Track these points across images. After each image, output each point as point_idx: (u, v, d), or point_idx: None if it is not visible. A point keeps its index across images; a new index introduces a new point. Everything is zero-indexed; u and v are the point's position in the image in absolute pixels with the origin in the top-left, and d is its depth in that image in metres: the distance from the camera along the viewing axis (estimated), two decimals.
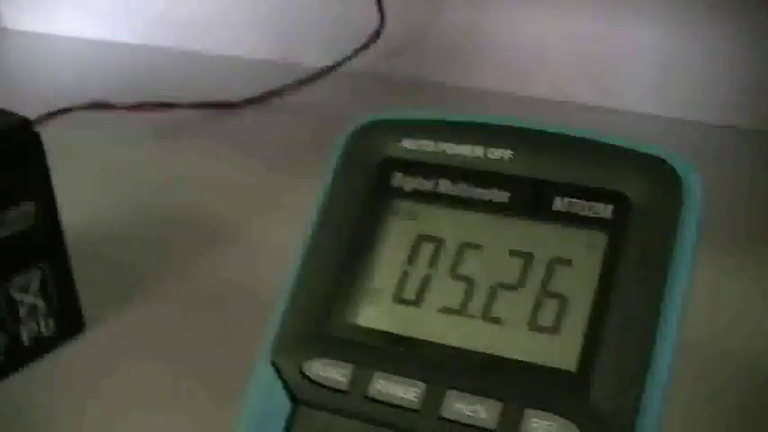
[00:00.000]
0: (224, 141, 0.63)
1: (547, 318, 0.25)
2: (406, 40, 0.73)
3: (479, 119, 0.28)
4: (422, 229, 0.28)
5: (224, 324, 0.42)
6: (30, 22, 0.89)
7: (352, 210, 0.28)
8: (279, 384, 0.26)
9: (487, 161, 0.27)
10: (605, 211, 0.26)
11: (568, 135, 0.27)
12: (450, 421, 0.24)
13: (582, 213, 0.26)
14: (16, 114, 0.37)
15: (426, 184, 0.28)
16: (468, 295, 0.26)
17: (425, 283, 0.27)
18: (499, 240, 0.27)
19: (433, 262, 0.27)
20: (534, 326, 0.25)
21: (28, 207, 0.37)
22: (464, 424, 0.24)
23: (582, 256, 0.26)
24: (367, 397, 0.25)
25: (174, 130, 0.65)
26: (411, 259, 0.27)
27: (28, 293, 0.38)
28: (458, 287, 0.26)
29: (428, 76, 0.73)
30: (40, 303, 0.39)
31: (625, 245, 0.25)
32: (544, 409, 0.24)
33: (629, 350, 0.24)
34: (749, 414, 0.36)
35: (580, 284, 0.25)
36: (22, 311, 0.38)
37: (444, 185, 0.28)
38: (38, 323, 0.39)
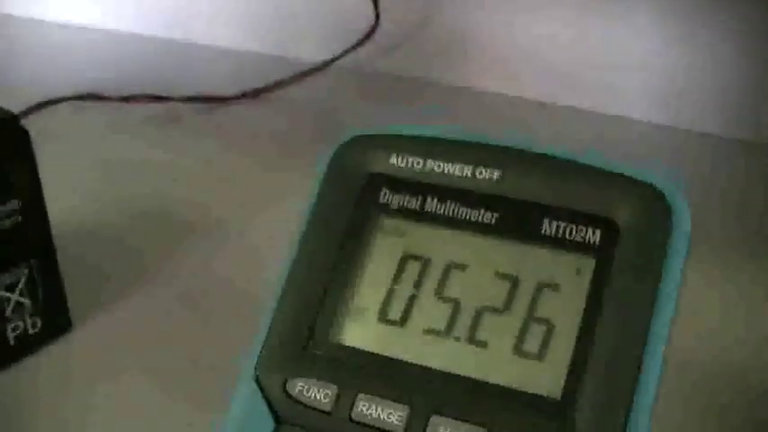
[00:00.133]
0: (217, 135, 0.63)
1: (533, 343, 0.25)
2: (400, 37, 0.72)
3: (469, 137, 0.28)
4: (408, 248, 0.27)
5: (213, 322, 0.42)
6: (22, 7, 0.88)
7: (337, 225, 0.28)
8: (262, 402, 0.26)
9: (476, 181, 0.27)
10: (593, 236, 0.26)
11: (558, 157, 0.26)
12: None
13: (570, 238, 0.26)
14: (4, 109, 0.37)
15: (414, 202, 0.28)
16: (453, 317, 0.26)
17: (411, 304, 0.27)
18: (486, 262, 0.26)
19: (418, 281, 0.27)
20: (520, 351, 0.25)
21: (15, 204, 0.37)
22: None
23: (569, 281, 0.25)
24: (351, 419, 0.25)
25: (167, 123, 0.65)
26: (397, 278, 0.27)
27: (14, 292, 0.38)
28: (443, 309, 0.26)
29: (422, 73, 0.73)
30: (27, 302, 0.38)
31: (613, 271, 0.25)
32: None
33: (615, 379, 0.24)
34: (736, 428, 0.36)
35: (567, 310, 0.25)
36: (8, 310, 0.38)
37: (432, 204, 0.27)
38: (24, 322, 0.39)
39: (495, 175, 0.27)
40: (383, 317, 0.27)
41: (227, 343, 0.39)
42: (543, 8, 0.67)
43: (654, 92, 0.66)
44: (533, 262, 0.26)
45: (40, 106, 0.62)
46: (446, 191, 0.27)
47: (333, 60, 0.70)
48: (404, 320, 0.27)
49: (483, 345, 0.26)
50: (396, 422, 0.25)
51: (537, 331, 0.25)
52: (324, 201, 0.28)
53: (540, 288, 0.26)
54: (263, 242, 0.49)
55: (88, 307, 0.42)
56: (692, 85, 0.64)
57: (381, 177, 0.28)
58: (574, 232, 0.26)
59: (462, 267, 0.27)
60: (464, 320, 0.26)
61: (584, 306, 0.25)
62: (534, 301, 0.26)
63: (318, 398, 0.26)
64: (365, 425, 0.25)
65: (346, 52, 0.70)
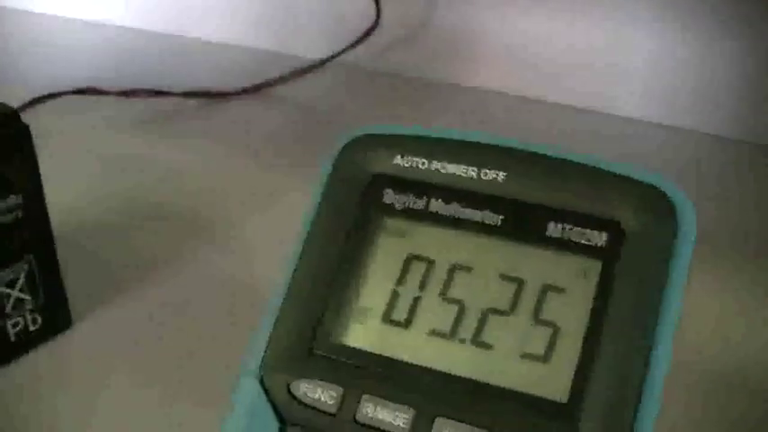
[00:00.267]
0: (216, 131, 0.63)
1: (538, 346, 0.25)
2: (401, 35, 0.72)
3: (473, 137, 0.28)
4: (412, 249, 0.27)
5: (214, 319, 0.42)
6: (21, 1, 0.88)
7: (341, 225, 0.28)
8: (266, 403, 0.26)
9: (481, 182, 0.27)
10: (599, 238, 0.26)
11: (563, 159, 0.26)
12: None
13: (575, 240, 0.26)
14: (4, 104, 0.37)
15: (418, 203, 0.28)
16: (458, 319, 0.26)
17: (415, 305, 0.27)
18: (491, 264, 0.26)
19: (423, 283, 0.27)
20: (525, 354, 0.25)
21: (15, 200, 0.37)
22: None
23: (575, 283, 0.25)
24: (355, 421, 0.25)
25: (166, 118, 0.64)
26: (401, 279, 0.27)
27: (14, 288, 0.38)
28: (448, 310, 0.26)
29: (423, 72, 0.73)
30: (27, 298, 0.38)
31: (618, 274, 0.25)
32: None
33: (621, 381, 0.24)
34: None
35: (572, 312, 0.25)
36: (8, 306, 0.38)
37: (436, 205, 0.27)
38: (24, 318, 0.38)
39: (501, 176, 0.27)
40: (387, 318, 0.27)
41: (228, 342, 0.39)
42: (544, 7, 0.67)
43: (655, 91, 0.66)
44: (538, 264, 0.26)
45: (40, 101, 0.62)
46: (451, 192, 0.27)
47: (333, 57, 0.70)
48: (408, 322, 0.27)
49: (488, 347, 0.26)
50: (401, 424, 0.25)
51: (542, 334, 0.25)
52: (327, 201, 0.28)
53: (545, 290, 0.26)
54: (262, 239, 0.49)
55: (88, 304, 0.42)
56: (694, 84, 0.64)
57: (385, 178, 0.28)
58: (579, 234, 0.26)
59: (467, 269, 0.27)
60: (469, 322, 0.26)
61: (590, 308, 0.25)
62: (540, 304, 0.26)
63: (323, 399, 0.26)
64: (370, 427, 0.25)
65: (347, 50, 0.70)
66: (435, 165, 0.27)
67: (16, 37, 0.83)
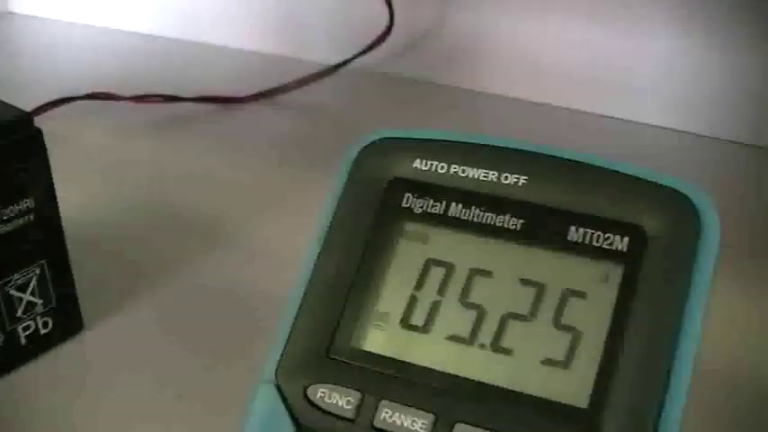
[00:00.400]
0: (228, 137, 0.63)
1: (559, 351, 0.25)
2: (415, 40, 0.72)
3: (493, 141, 0.27)
4: (431, 253, 0.27)
5: (224, 323, 0.42)
6: (36, 6, 0.88)
7: (359, 229, 0.28)
8: (282, 408, 0.26)
9: (501, 186, 0.27)
10: (621, 243, 0.25)
11: (585, 163, 0.26)
12: None
13: (597, 245, 0.25)
14: (18, 108, 0.37)
15: (437, 207, 0.27)
16: (477, 324, 0.26)
17: (434, 309, 0.26)
18: (511, 268, 0.26)
19: (442, 287, 0.27)
20: (546, 359, 0.25)
21: (28, 204, 0.36)
22: None
23: (596, 288, 0.25)
24: (373, 426, 0.25)
25: (178, 123, 0.64)
26: (420, 283, 0.27)
27: (26, 291, 0.37)
28: (467, 315, 0.26)
29: (435, 77, 0.72)
30: (38, 302, 0.38)
31: (641, 279, 0.25)
32: None
33: (643, 388, 0.24)
34: None
35: (594, 318, 0.25)
36: (20, 310, 0.37)
37: (456, 209, 0.27)
38: (36, 322, 0.38)
39: (521, 180, 0.27)
40: (406, 323, 0.26)
41: (241, 346, 0.39)
42: (557, 12, 0.67)
43: (668, 96, 0.66)
44: (559, 269, 0.26)
45: (53, 105, 0.62)
46: (470, 196, 0.27)
47: (346, 63, 0.70)
48: (427, 327, 0.26)
49: (508, 352, 0.25)
50: (420, 430, 0.24)
51: (563, 339, 0.25)
52: (345, 205, 0.28)
53: (565, 295, 0.26)
54: (274, 244, 0.48)
55: (100, 307, 0.42)
56: (711, 90, 0.64)
57: (404, 182, 0.28)
58: (601, 239, 0.26)
59: (487, 273, 0.26)
60: (489, 327, 0.26)
61: (611, 314, 0.25)
62: (560, 309, 0.25)
63: (340, 404, 0.25)
64: None
65: (360, 55, 0.70)
66: (455, 168, 0.27)
67: (31, 43, 0.83)
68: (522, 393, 0.25)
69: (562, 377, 0.25)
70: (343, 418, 0.25)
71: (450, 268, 0.27)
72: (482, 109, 0.68)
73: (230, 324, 0.42)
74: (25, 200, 0.36)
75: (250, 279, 0.45)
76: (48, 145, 0.37)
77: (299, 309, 0.27)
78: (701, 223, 0.25)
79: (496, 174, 0.27)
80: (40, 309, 0.38)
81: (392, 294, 0.27)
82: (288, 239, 0.48)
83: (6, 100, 0.37)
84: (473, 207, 0.27)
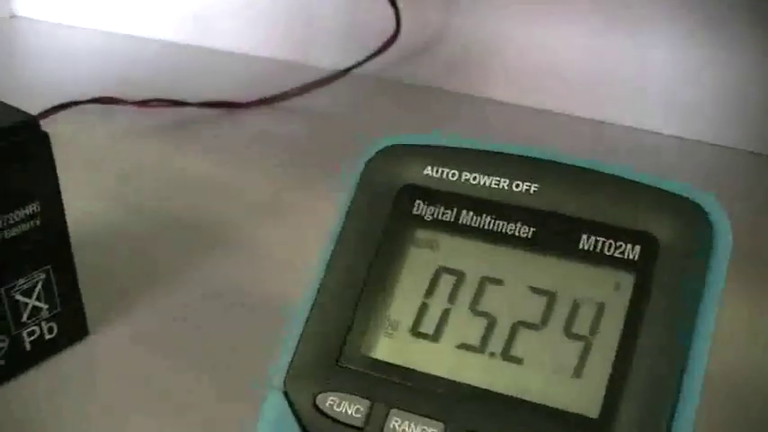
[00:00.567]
0: (233, 142, 0.63)
1: (569, 360, 0.25)
2: (421, 46, 0.72)
3: (504, 148, 0.27)
4: (442, 261, 0.27)
5: (230, 328, 0.42)
6: (42, 11, 0.88)
7: (370, 236, 0.27)
8: (291, 416, 0.26)
9: (512, 194, 0.27)
10: (633, 251, 0.25)
11: (596, 171, 0.26)
12: None
13: (608, 253, 0.25)
14: (24, 112, 0.37)
15: (448, 214, 0.27)
16: (488, 332, 0.26)
17: (444, 317, 0.26)
18: (522, 277, 0.26)
19: (452, 295, 0.26)
20: (556, 368, 0.25)
21: (33, 208, 0.36)
22: None
23: (608, 297, 0.25)
24: None
25: (183, 128, 0.64)
26: (430, 291, 0.27)
27: (31, 296, 0.37)
28: (477, 323, 0.26)
29: (442, 83, 0.72)
30: (43, 307, 0.38)
31: (652, 288, 0.24)
32: None
33: (654, 397, 0.23)
34: None
35: (605, 326, 0.25)
36: (25, 315, 0.37)
37: (467, 216, 0.27)
38: (41, 327, 0.38)
39: (533, 188, 0.26)
40: (416, 331, 0.26)
41: (245, 352, 0.39)
42: (563, 20, 0.67)
43: (675, 104, 0.65)
44: (571, 277, 0.26)
45: (59, 109, 0.62)
46: (482, 203, 0.27)
47: (352, 68, 0.70)
48: (437, 334, 0.26)
49: (518, 361, 0.25)
50: None
51: (574, 348, 0.25)
52: (355, 211, 0.28)
53: (577, 304, 0.25)
54: (280, 250, 0.48)
55: (105, 312, 0.42)
56: (718, 97, 0.64)
57: (415, 188, 0.28)
58: (612, 247, 0.25)
59: (497, 282, 0.26)
60: (499, 336, 0.26)
61: (623, 322, 0.25)
62: (571, 317, 0.25)
63: (350, 413, 0.25)
64: None
65: (366, 60, 0.70)
66: (466, 176, 0.27)
67: (36, 46, 0.83)
68: (531, 402, 0.24)
69: (573, 386, 0.24)
70: (353, 427, 0.25)
71: (460, 276, 0.27)
72: (489, 115, 0.68)
73: (237, 329, 0.41)
74: (31, 204, 0.36)
75: (255, 285, 0.45)
76: (54, 149, 0.37)
77: (309, 316, 0.27)
78: (713, 232, 0.25)
79: (508, 181, 0.27)
80: (45, 314, 0.38)
81: (402, 302, 0.27)
82: (293, 245, 0.48)
83: (12, 104, 0.37)
84: (484, 214, 0.27)
